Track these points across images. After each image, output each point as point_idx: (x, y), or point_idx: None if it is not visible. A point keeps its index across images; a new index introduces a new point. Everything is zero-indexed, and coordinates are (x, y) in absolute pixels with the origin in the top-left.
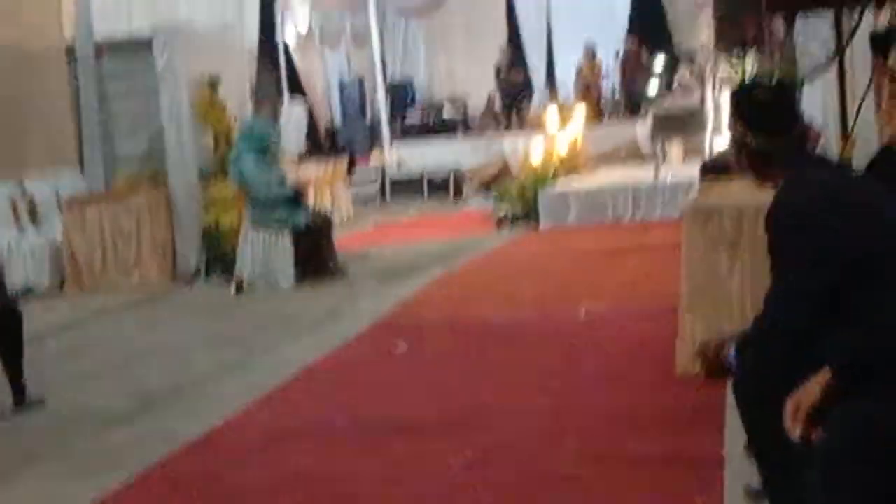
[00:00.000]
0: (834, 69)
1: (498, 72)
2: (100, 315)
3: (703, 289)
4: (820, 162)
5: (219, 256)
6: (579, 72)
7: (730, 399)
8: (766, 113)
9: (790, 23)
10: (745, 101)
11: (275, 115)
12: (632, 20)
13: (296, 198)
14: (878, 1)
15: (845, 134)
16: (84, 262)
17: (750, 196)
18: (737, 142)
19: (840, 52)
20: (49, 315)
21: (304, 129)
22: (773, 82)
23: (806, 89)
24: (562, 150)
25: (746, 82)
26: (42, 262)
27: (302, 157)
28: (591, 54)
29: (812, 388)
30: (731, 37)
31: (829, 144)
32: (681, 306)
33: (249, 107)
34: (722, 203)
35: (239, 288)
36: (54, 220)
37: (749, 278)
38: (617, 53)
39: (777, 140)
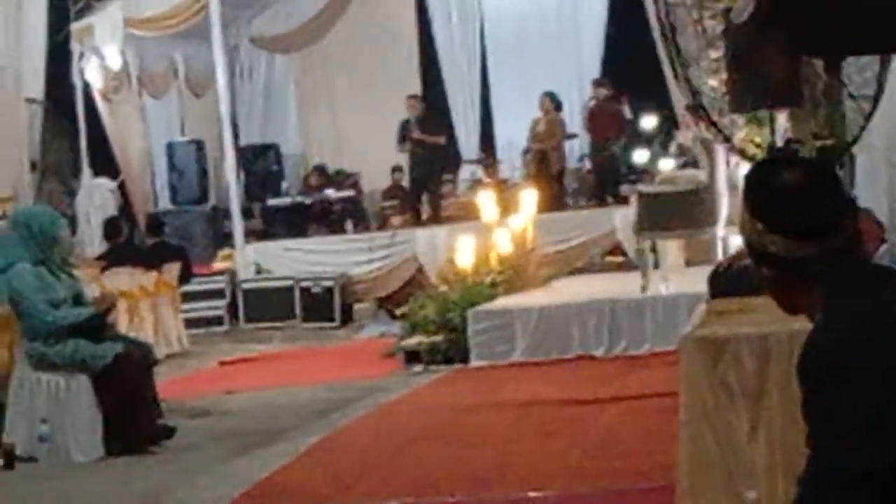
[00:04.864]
0: None
1: (404, 132)
2: None
3: (712, 462)
4: (881, 276)
5: None
6: (535, 131)
7: None
8: (796, 206)
9: (835, 67)
10: (764, 189)
11: (67, 198)
12: (606, 59)
13: (97, 324)
14: None
15: None
16: None
17: (783, 322)
18: (753, 248)
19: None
20: None
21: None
22: (811, 155)
23: (861, 160)
24: (504, 250)
25: (766, 157)
26: None
27: (108, 262)
28: (552, 104)
29: None
30: (752, 85)
31: None
32: (677, 490)
33: (28, 187)
34: (740, 332)
35: (9, 461)
36: None
37: (780, 446)
38: (585, 106)
39: (812, 246)
